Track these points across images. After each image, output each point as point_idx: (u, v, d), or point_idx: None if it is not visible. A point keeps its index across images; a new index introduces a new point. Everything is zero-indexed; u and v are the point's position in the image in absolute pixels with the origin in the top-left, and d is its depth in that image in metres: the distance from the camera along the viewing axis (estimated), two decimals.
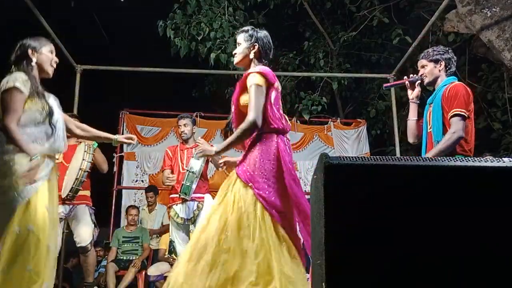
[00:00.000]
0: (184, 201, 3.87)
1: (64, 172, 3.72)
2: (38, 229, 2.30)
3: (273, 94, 2.43)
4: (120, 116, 6.89)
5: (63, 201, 3.64)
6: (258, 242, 2.19)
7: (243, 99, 2.43)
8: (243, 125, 2.32)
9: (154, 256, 5.54)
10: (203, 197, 3.93)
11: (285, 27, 8.26)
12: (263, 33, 2.57)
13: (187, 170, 3.72)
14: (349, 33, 7.67)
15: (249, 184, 2.30)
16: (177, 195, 3.89)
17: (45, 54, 2.55)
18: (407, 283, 1.13)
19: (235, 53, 2.59)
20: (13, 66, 2.48)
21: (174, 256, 4.11)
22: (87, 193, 3.94)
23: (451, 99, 2.63)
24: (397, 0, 7.45)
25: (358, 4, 7.48)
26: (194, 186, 3.80)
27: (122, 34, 8.01)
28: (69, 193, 3.59)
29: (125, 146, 6.82)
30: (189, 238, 4.06)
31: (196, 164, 3.73)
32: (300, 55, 7.87)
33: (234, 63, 2.61)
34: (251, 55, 2.51)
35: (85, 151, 3.67)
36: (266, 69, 2.43)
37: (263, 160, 2.34)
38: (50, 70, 2.58)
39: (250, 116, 2.29)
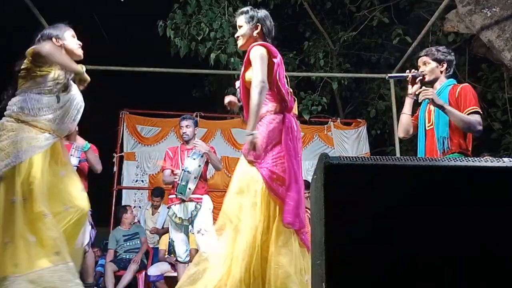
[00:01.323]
0: (182, 201, 3.88)
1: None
2: (27, 198, 2.27)
3: (278, 72, 2.40)
4: (120, 116, 6.89)
5: None
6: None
7: (248, 75, 2.41)
8: (254, 91, 2.29)
9: (154, 256, 5.54)
10: (201, 198, 3.93)
11: (285, 27, 8.26)
12: (263, 13, 2.55)
13: (183, 170, 3.71)
14: (349, 33, 7.67)
15: (254, 164, 2.32)
16: (175, 195, 3.90)
17: (69, 38, 2.56)
18: (407, 283, 1.13)
19: (237, 36, 2.54)
20: None
21: (174, 256, 4.11)
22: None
23: (465, 97, 2.65)
24: (397, 0, 7.45)
25: (358, 4, 7.48)
26: (191, 186, 3.79)
27: (122, 34, 8.01)
28: None
29: (125, 146, 6.83)
30: (189, 239, 4.06)
31: (192, 164, 3.71)
32: (300, 55, 7.87)
33: (239, 46, 2.57)
34: (255, 36, 2.49)
35: (71, 155, 3.65)
36: (267, 43, 2.42)
37: (270, 140, 2.34)
38: (80, 52, 2.60)
39: (257, 78, 2.27)
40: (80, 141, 3.80)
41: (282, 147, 2.35)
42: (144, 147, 6.92)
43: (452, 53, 2.88)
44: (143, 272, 5.20)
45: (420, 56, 2.90)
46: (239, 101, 2.68)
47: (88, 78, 2.51)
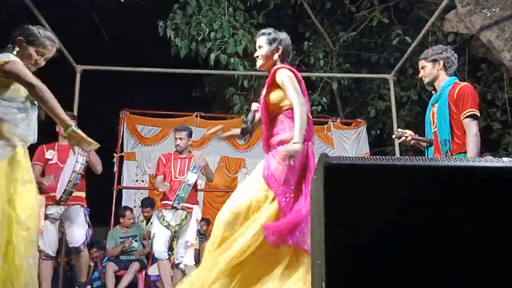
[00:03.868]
0: (174, 208, 3.99)
1: (59, 174, 3.72)
2: None
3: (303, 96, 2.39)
4: (120, 116, 6.89)
5: (57, 202, 3.64)
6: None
7: (273, 96, 2.40)
8: (299, 111, 2.26)
9: (154, 256, 5.54)
10: (192, 208, 4.07)
11: (285, 27, 8.26)
12: (284, 35, 2.57)
13: (184, 182, 3.85)
14: (349, 33, 7.67)
15: (272, 188, 2.29)
16: (168, 202, 4.02)
17: (30, 52, 2.34)
18: (407, 283, 1.13)
19: (257, 56, 2.54)
20: (9, 44, 2.33)
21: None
22: (82, 194, 3.91)
23: (463, 99, 2.65)
24: (397, 0, 7.46)
25: (358, 4, 7.48)
26: (186, 196, 3.96)
27: (122, 34, 8.01)
28: (63, 195, 3.57)
29: (125, 146, 6.84)
30: (168, 242, 4.14)
31: (193, 177, 3.89)
32: (300, 55, 7.87)
33: (258, 66, 2.57)
34: (275, 58, 2.50)
35: (79, 154, 3.60)
36: (294, 69, 2.43)
37: (291, 169, 2.29)
38: (30, 68, 2.36)
39: (296, 101, 2.27)
40: None
41: (304, 176, 2.31)
42: (144, 147, 6.93)
43: (449, 49, 2.86)
44: (143, 272, 5.21)
45: (419, 61, 2.93)
46: (247, 123, 2.65)
47: (80, 137, 2.29)
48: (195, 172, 3.86)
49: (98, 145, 2.34)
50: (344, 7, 7.70)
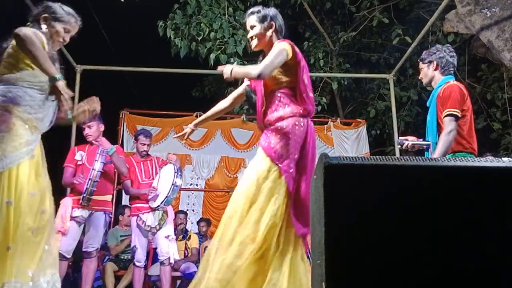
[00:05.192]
0: (152, 210, 4.07)
1: (87, 175, 3.76)
2: (19, 208, 2.07)
3: (303, 73, 2.34)
4: (120, 116, 6.90)
5: (82, 205, 3.69)
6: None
7: (272, 73, 2.30)
8: (256, 67, 2.19)
9: (154, 256, 5.54)
10: (167, 208, 4.16)
11: (285, 27, 8.25)
12: (274, 10, 2.48)
13: (173, 185, 3.94)
14: (349, 33, 7.68)
15: (277, 163, 2.25)
16: (144, 205, 4.08)
17: (57, 29, 2.31)
18: (407, 283, 1.13)
19: (251, 37, 2.44)
20: (30, 22, 2.28)
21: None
22: (108, 198, 3.96)
23: (445, 99, 2.63)
24: (397, 0, 7.46)
25: (358, 4, 7.48)
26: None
27: (122, 34, 8.01)
28: (82, 201, 3.65)
29: (125, 146, 6.83)
30: (147, 248, 4.27)
31: (179, 181, 4.01)
32: None
33: (253, 46, 2.46)
34: (270, 35, 2.41)
35: (96, 160, 3.69)
36: (293, 44, 2.34)
37: (294, 144, 2.27)
38: (56, 45, 2.38)
39: (259, 67, 2.16)
40: (106, 144, 3.83)
41: (304, 153, 2.29)
42: None
43: (444, 49, 2.84)
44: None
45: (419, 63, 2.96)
46: (248, 99, 2.58)
47: (62, 89, 2.15)
48: (180, 176, 3.99)
49: (70, 106, 2.21)
50: (344, 7, 7.70)
